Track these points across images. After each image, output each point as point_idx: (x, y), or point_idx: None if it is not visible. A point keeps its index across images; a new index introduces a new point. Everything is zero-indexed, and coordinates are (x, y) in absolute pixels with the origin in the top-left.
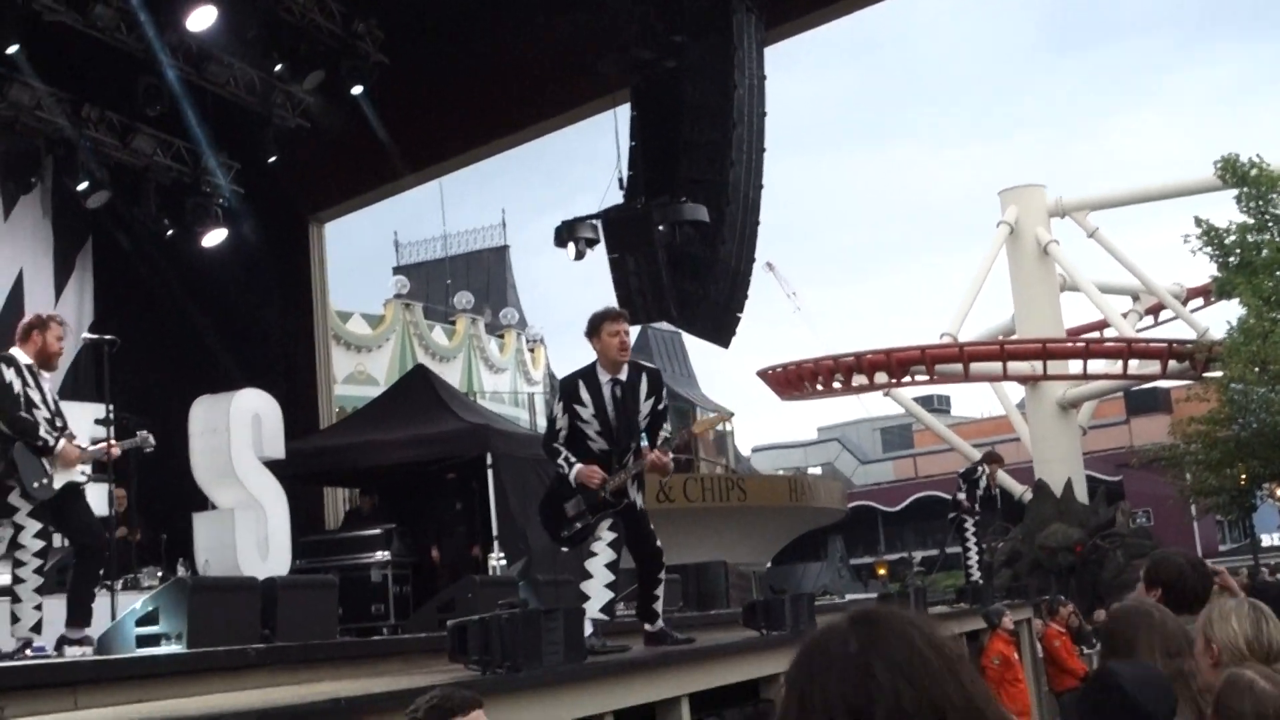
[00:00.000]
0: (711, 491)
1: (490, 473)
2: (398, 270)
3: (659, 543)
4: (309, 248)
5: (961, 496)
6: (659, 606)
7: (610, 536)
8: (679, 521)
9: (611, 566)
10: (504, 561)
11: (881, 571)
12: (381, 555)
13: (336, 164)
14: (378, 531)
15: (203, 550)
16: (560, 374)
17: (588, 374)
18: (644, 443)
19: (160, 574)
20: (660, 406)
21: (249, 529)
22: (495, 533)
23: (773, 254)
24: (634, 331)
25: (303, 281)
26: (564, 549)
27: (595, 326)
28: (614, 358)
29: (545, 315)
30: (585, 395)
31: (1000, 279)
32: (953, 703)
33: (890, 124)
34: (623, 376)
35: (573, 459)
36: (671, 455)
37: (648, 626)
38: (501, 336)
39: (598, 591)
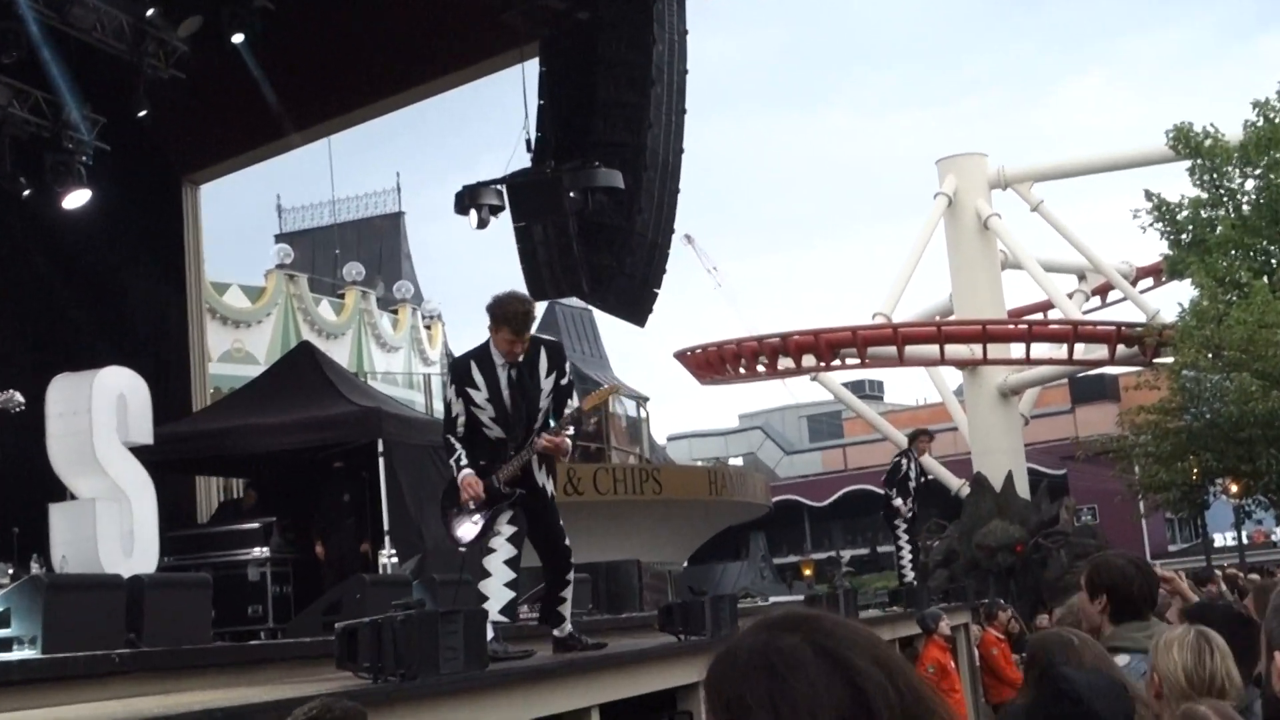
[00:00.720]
0: (624, 483)
1: (382, 461)
2: (281, 238)
3: (567, 540)
4: (183, 211)
5: (897, 502)
6: (567, 609)
7: (510, 531)
8: (588, 515)
9: (511, 564)
10: (396, 559)
11: (807, 572)
12: (260, 551)
13: (214, 120)
14: (256, 525)
15: (60, 545)
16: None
17: (481, 355)
18: (552, 424)
19: (11, 571)
20: (564, 382)
21: (112, 522)
22: (387, 527)
23: (693, 226)
24: (540, 307)
25: (175, 248)
26: (460, 547)
27: (496, 319)
28: (504, 356)
29: (444, 289)
30: (478, 378)
31: (938, 255)
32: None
33: (823, 86)
34: (519, 356)
35: (463, 459)
36: (569, 435)
37: (555, 631)
38: (395, 312)
39: (497, 591)
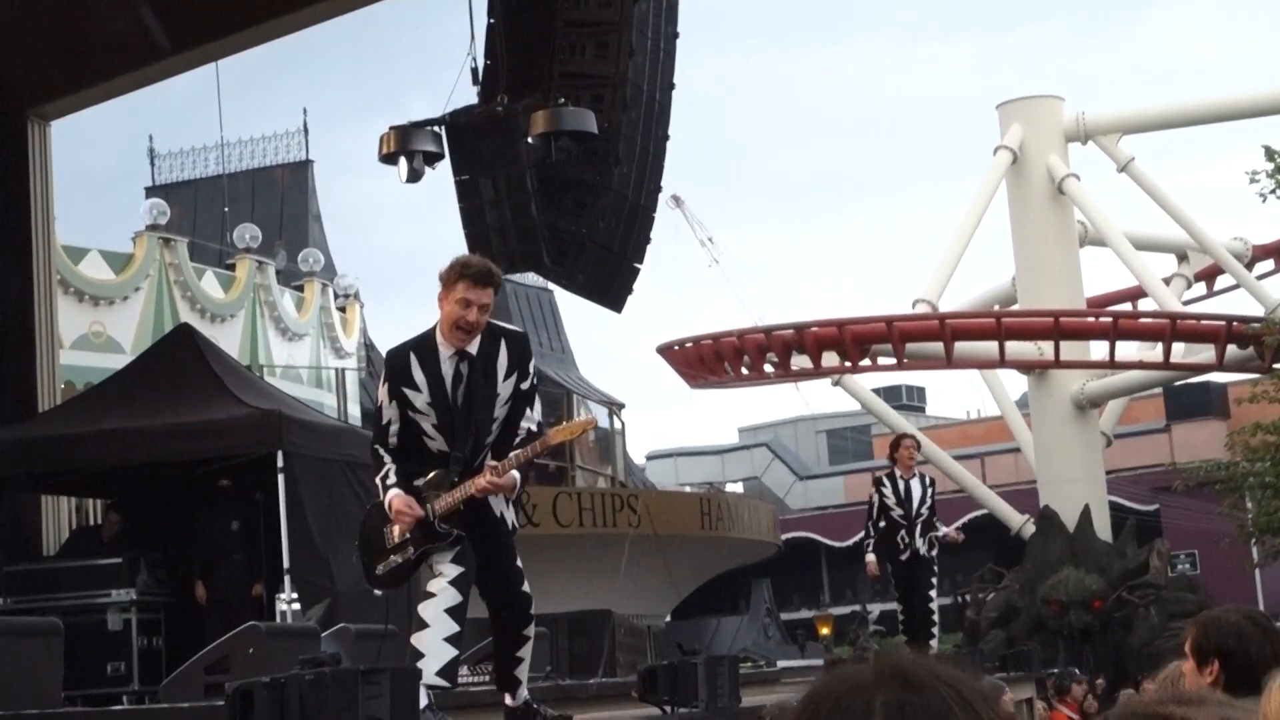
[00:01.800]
0: (592, 512)
1: (281, 479)
2: (154, 191)
3: (525, 585)
4: (27, 155)
5: (870, 558)
6: (523, 672)
7: (453, 571)
8: (547, 553)
9: (454, 613)
10: (298, 604)
11: (825, 630)
12: (123, 593)
13: (65, 39)
14: (118, 560)
15: None
16: (382, 344)
17: (423, 345)
18: (510, 436)
19: None
20: (525, 385)
21: None
22: (287, 564)
23: (684, 185)
24: None
25: (16, 203)
26: (376, 591)
27: (449, 280)
28: (450, 332)
29: (363, 261)
30: (418, 375)
31: (998, 227)
32: None
33: (852, 10)
34: (472, 349)
35: (391, 478)
36: (512, 470)
37: (508, 699)
38: (300, 289)
39: (435, 648)
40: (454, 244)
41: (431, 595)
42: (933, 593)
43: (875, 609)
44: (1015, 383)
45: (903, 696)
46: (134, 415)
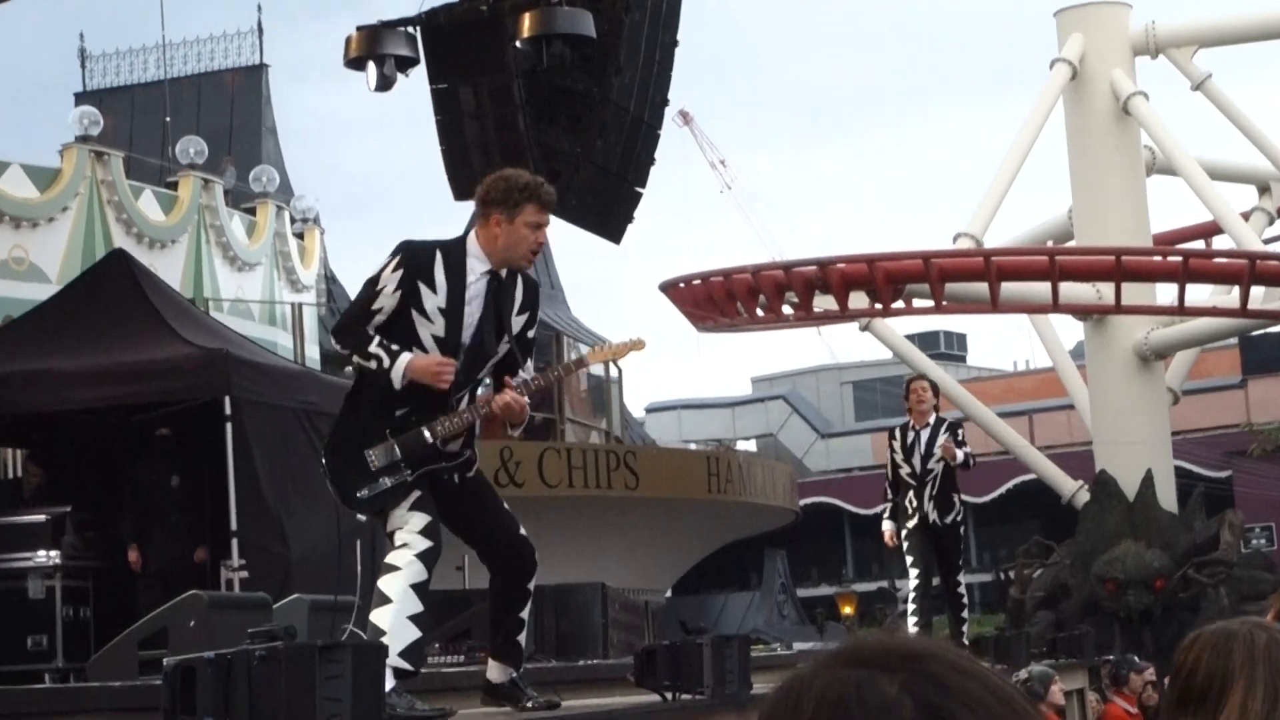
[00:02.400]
0: (583, 471)
1: (229, 428)
2: (84, 98)
3: (524, 531)
4: None
5: (887, 526)
6: (523, 640)
7: (420, 545)
8: (531, 518)
9: (420, 590)
10: (246, 572)
11: (847, 609)
12: (45, 557)
13: None
14: (40, 518)
15: None
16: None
17: (453, 250)
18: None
19: None
20: (531, 334)
21: None
22: (234, 525)
23: (693, 99)
24: (463, 213)
25: None
26: (360, 516)
27: (516, 201)
28: (520, 257)
29: (324, 181)
30: (440, 277)
31: (1053, 151)
32: None
33: None
34: (502, 273)
35: (394, 346)
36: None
37: (495, 673)
38: (252, 212)
39: (398, 627)
40: (429, 162)
41: (394, 569)
42: (961, 577)
43: (905, 585)
44: (1070, 330)
45: (926, 669)
46: (59, 354)
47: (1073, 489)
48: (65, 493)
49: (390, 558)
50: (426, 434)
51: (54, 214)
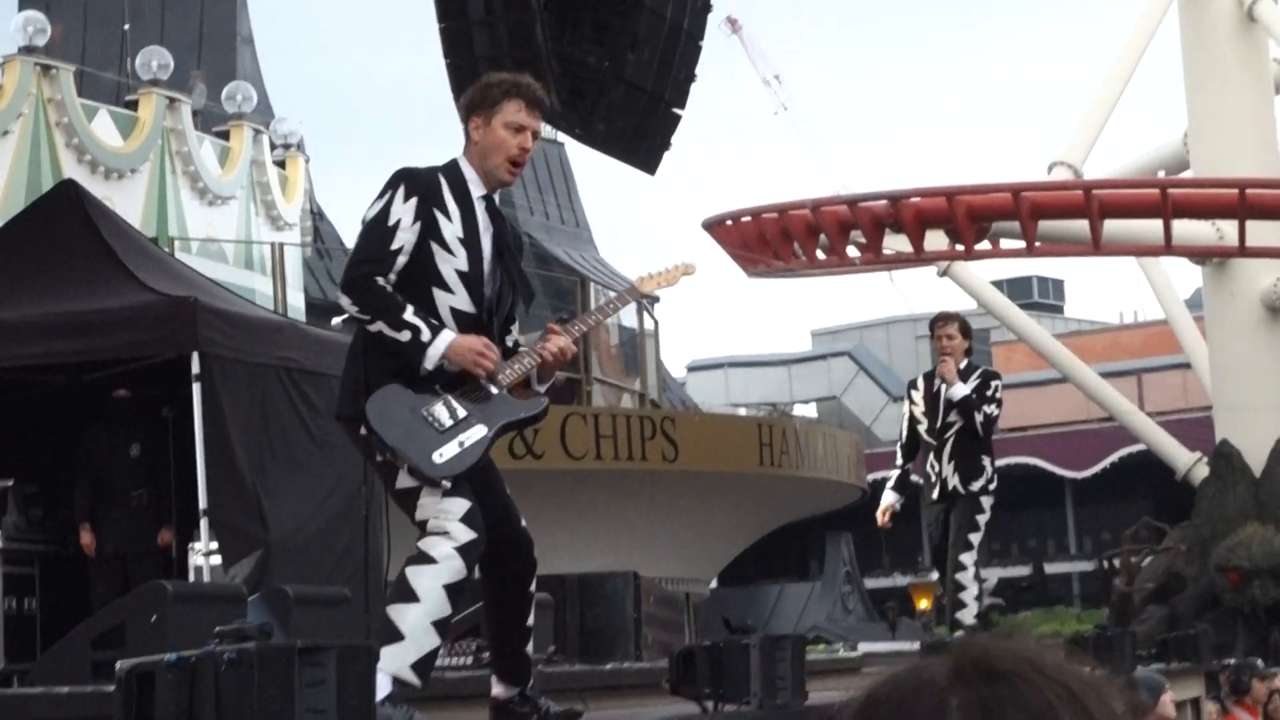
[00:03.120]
0: (614, 441)
1: (197, 389)
2: (29, 2)
3: (524, 523)
4: None
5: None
6: (530, 651)
7: (464, 535)
8: (552, 495)
9: (453, 593)
10: (219, 558)
11: (923, 604)
12: None
13: None
14: None
15: None
16: (335, 212)
17: (451, 173)
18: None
19: None
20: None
21: None
22: (204, 503)
23: (742, 2)
24: None
25: None
26: (445, 486)
27: (494, 100)
28: (497, 167)
29: (309, 101)
30: (450, 203)
31: (1165, 67)
32: None
33: None
34: (496, 197)
35: (432, 319)
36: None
37: (499, 688)
38: (225, 136)
39: (418, 632)
40: (432, 79)
41: (428, 560)
42: (966, 555)
43: (992, 575)
44: (1186, 276)
45: (986, 692)
46: (2, 303)
47: (1189, 462)
48: (6, 464)
49: (425, 544)
50: (491, 385)
51: None
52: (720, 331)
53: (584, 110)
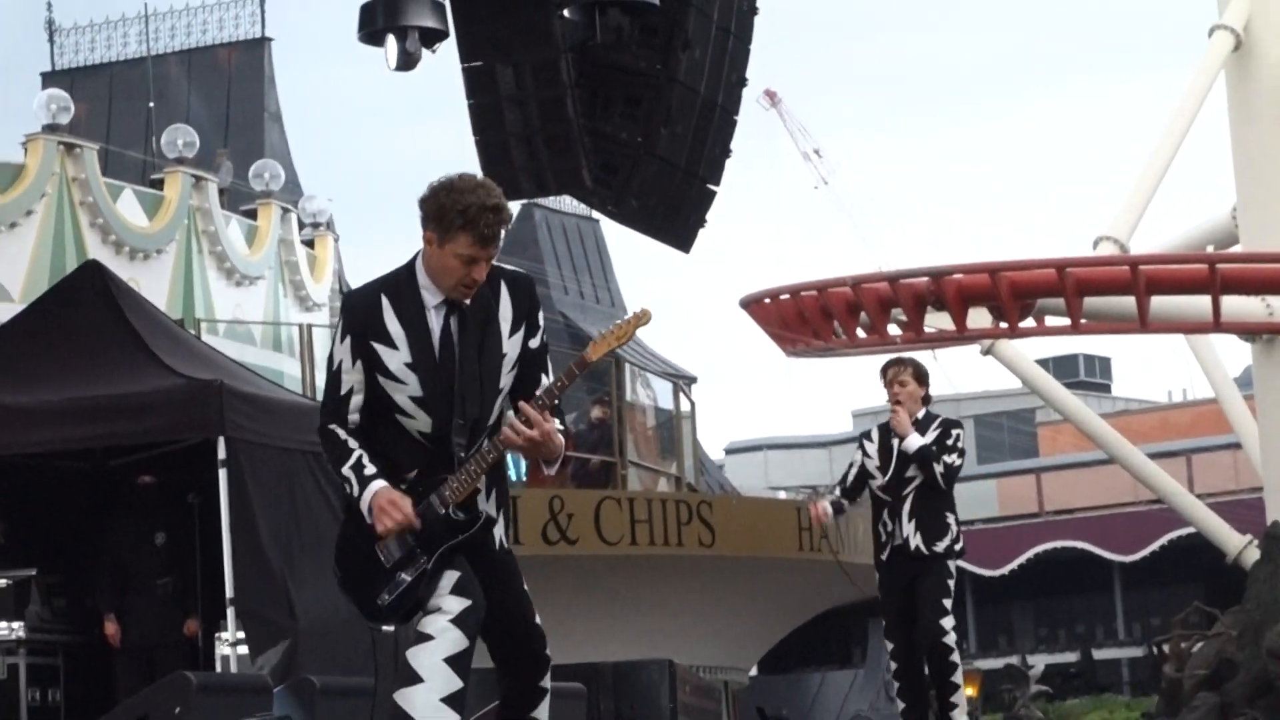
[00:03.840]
0: (649, 526)
1: (224, 475)
2: (53, 79)
3: (538, 618)
4: None
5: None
6: None
7: (457, 606)
8: (587, 581)
9: (457, 664)
10: (245, 647)
11: (970, 691)
12: (6, 629)
13: None
14: (0, 584)
15: None
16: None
17: (397, 286)
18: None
19: None
20: (535, 342)
21: None
22: (230, 592)
23: (780, 77)
24: (513, 209)
25: None
26: (384, 627)
27: (449, 226)
28: (449, 289)
29: (339, 178)
30: (394, 327)
31: (1212, 138)
32: None
33: None
34: (469, 291)
35: (367, 467)
36: (556, 421)
37: None
38: (253, 215)
39: (427, 711)
40: (462, 156)
41: (426, 638)
42: (947, 621)
43: (1039, 661)
44: (1235, 354)
45: None
46: (22, 386)
47: (1240, 545)
48: (30, 552)
49: (420, 624)
50: (436, 503)
51: (16, 218)
52: (759, 412)
53: (617, 187)
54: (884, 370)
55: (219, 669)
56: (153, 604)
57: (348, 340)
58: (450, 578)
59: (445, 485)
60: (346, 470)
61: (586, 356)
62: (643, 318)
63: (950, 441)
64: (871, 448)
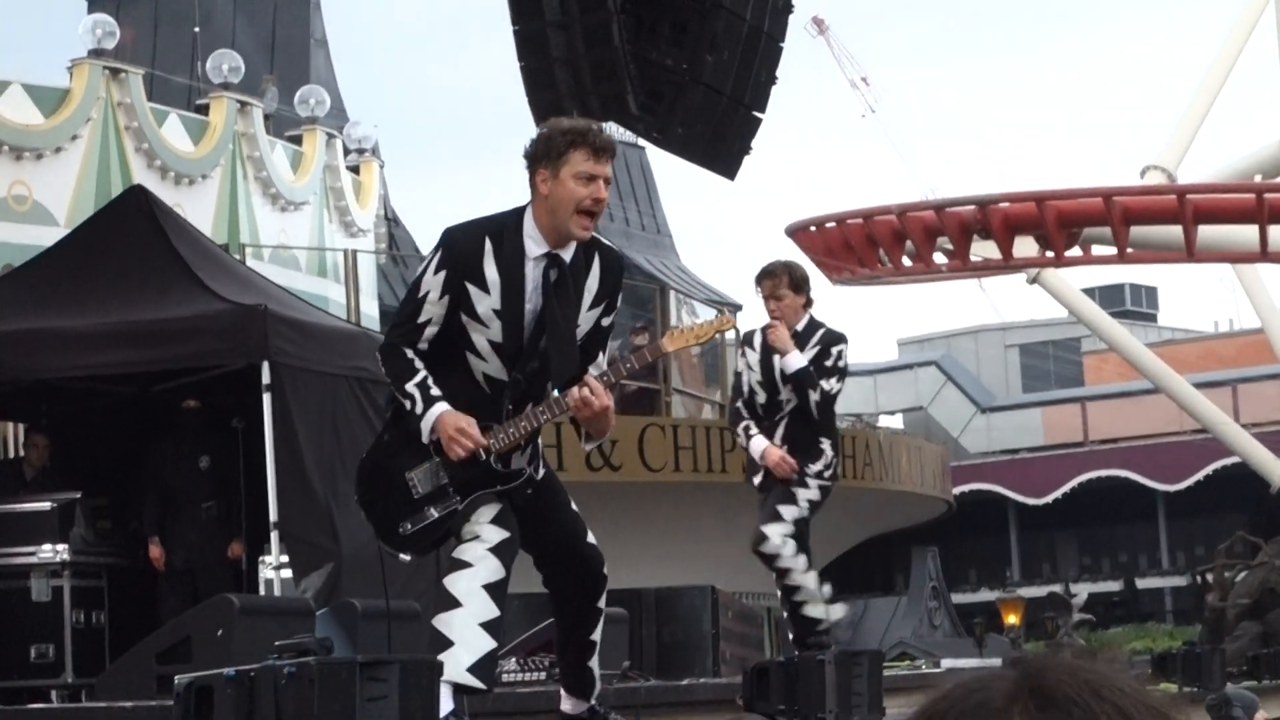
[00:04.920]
0: (693, 452)
1: (268, 400)
2: (98, 4)
3: (592, 539)
4: None
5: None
6: (595, 665)
7: (495, 536)
8: (629, 507)
9: (495, 591)
10: (288, 571)
11: (1011, 618)
12: (51, 552)
13: None
14: (45, 507)
15: None
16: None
17: (504, 232)
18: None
19: None
20: (607, 321)
21: None
22: (274, 516)
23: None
24: None
25: None
26: (402, 556)
27: (559, 150)
28: (567, 221)
29: (384, 104)
30: (491, 272)
31: (1262, 66)
32: None
33: None
34: (566, 254)
35: (433, 388)
36: (609, 395)
37: (568, 705)
38: (298, 141)
39: (467, 635)
40: (507, 83)
41: (464, 565)
42: (772, 529)
43: (1082, 590)
44: None
45: (1041, 719)
46: (67, 311)
47: None
48: (75, 476)
49: (459, 551)
50: (480, 451)
51: (62, 143)
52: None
53: (662, 114)
54: (758, 282)
55: (262, 592)
56: (196, 527)
57: (441, 275)
58: (490, 509)
59: (491, 434)
60: (411, 387)
61: (662, 346)
62: (725, 323)
63: (830, 362)
64: (754, 356)
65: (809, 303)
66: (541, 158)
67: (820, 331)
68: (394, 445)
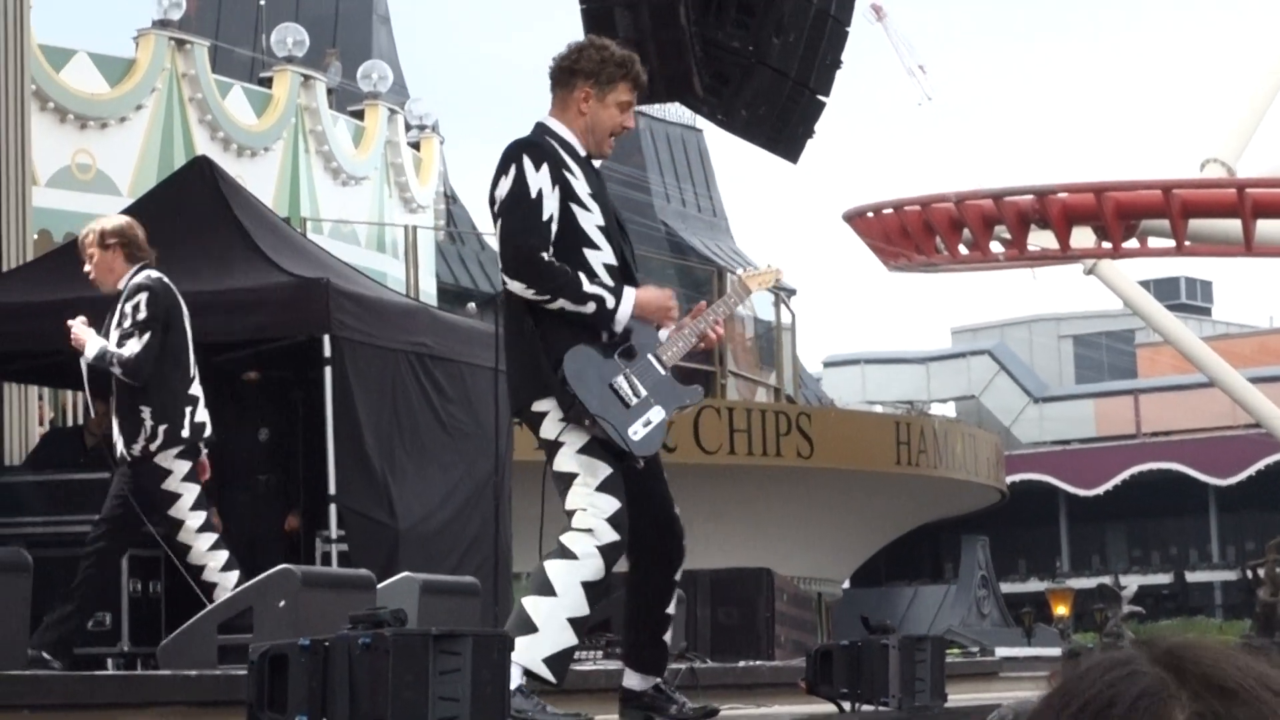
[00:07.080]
0: (748, 436)
1: (329, 373)
2: None
3: (677, 509)
4: None
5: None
6: (669, 640)
7: (607, 535)
8: (685, 490)
9: (592, 591)
10: (346, 544)
11: (1061, 609)
12: None
13: None
14: (105, 474)
15: None
16: (467, 193)
17: (555, 138)
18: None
19: None
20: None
21: None
22: (333, 489)
23: None
24: None
25: None
26: (638, 463)
27: (610, 77)
28: (602, 141)
29: (446, 81)
30: (573, 164)
31: None
32: None
33: None
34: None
35: (605, 277)
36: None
37: (634, 680)
38: (360, 116)
39: (553, 627)
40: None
41: (568, 555)
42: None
43: (1132, 582)
44: None
45: (1219, 708)
46: None
47: None
48: None
49: (567, 539)
50: (656, 363)
51: (126, 113)
52: (858, 327)
53: (727, 96)
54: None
55: (320, 564)
56: (253, 499)
57: (544, 167)
58: (610, 503)
59: (662, 347)
60: (589, 288)
61: (744, 284)
62: (779, 272)
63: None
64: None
65: (134, 256)
66: (592, 75)
67: (135, 284)
68: (596, 356)
